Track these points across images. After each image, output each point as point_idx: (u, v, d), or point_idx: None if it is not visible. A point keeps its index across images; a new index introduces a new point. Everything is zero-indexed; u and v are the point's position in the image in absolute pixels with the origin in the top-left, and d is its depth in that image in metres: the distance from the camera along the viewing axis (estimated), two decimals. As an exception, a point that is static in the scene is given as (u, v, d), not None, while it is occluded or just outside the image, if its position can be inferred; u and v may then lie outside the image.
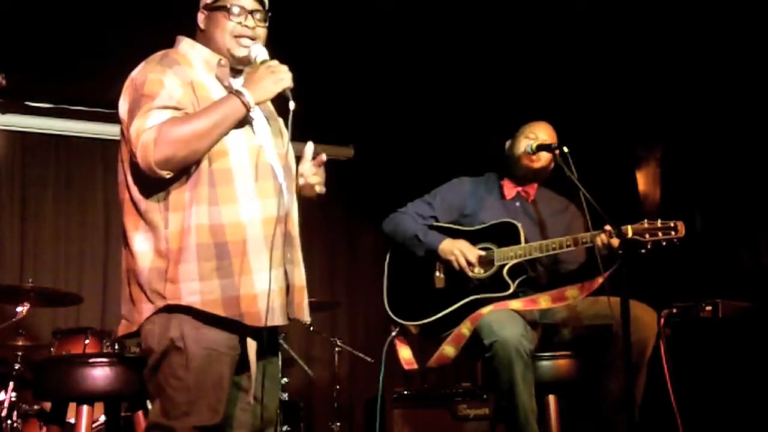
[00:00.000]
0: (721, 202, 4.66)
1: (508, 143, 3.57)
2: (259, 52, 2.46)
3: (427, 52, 5.32)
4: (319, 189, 2.60)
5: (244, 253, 2.33)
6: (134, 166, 2.33)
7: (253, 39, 2.48)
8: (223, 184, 2.34)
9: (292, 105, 2.40)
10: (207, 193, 2.32)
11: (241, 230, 2.34)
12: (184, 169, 2.32)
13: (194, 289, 2.29)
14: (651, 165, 5.33)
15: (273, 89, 2.39)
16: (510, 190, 3.56)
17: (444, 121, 5.90)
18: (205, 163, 2.33)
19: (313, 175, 2.59)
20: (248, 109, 2.37)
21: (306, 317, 2.52)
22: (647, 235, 3.14)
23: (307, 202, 2.63)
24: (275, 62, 2.43)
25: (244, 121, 2.41)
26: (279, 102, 2.49)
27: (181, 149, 2.27)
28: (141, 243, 2.36)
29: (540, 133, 3.48)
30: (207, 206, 2.32)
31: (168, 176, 2.29)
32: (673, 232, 3.14)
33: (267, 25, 2.52)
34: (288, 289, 2.43)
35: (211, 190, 2.32)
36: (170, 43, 2.54)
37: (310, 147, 2.59)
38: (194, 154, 2.30)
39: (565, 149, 3.27)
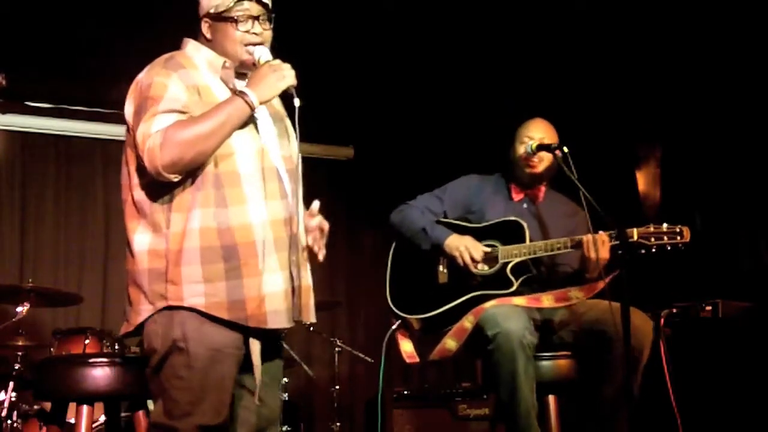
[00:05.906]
0: (721, 202, 4.65)
1: (511, 150, 3.54)
2: (262, 53, 2.46)
3: (427, 52, 5.32)
4: (321, 257, 2.61)
5: (253, 255, 2.34)
6: (141, 169, 2.34)
7: (261, 44, 2.48)
8: (231, 186, 2.34)
9: (297, 102, 2.40)
10: (213, 195, 2.33)
11: (251, 232, 2.34)
12: (191, 172, 2.32)
13: (198, 291, 2.30)
14: (651, 165, 5.32)
15: (277, 87, 2.39)
16: (517, 193, 3.55)
17: (444, 121, 5.89)
18: (210, 166, 2.34)
19: (314, 242, 2.59)
20: (252, 109, 2.37)
21: (312, 318, 2.53)
22: (653, 239, 3.14)
23: (305, 201, 2.63)
24: (278, 61, 2.44)
25: (250, 123, 2.41)
26: (284, 102, 2.48)
27: (187, 152, 2.27)
28: (140, 243, 2.37)
29: (535, 133, 3.44)
30: (214, 208, 2.32)
31: (176, 179, 2.30)
32: (678, 237, 3.14)
33: (272, 26, 2.52)
34: (294, 291, 2.44)
35: (218, 192, 2.33)
36: (170, 43, 2.54)
37: (316, 204, 2.59)
38: (201, 155, 2.31)
39: (565, 149, 3.27)
